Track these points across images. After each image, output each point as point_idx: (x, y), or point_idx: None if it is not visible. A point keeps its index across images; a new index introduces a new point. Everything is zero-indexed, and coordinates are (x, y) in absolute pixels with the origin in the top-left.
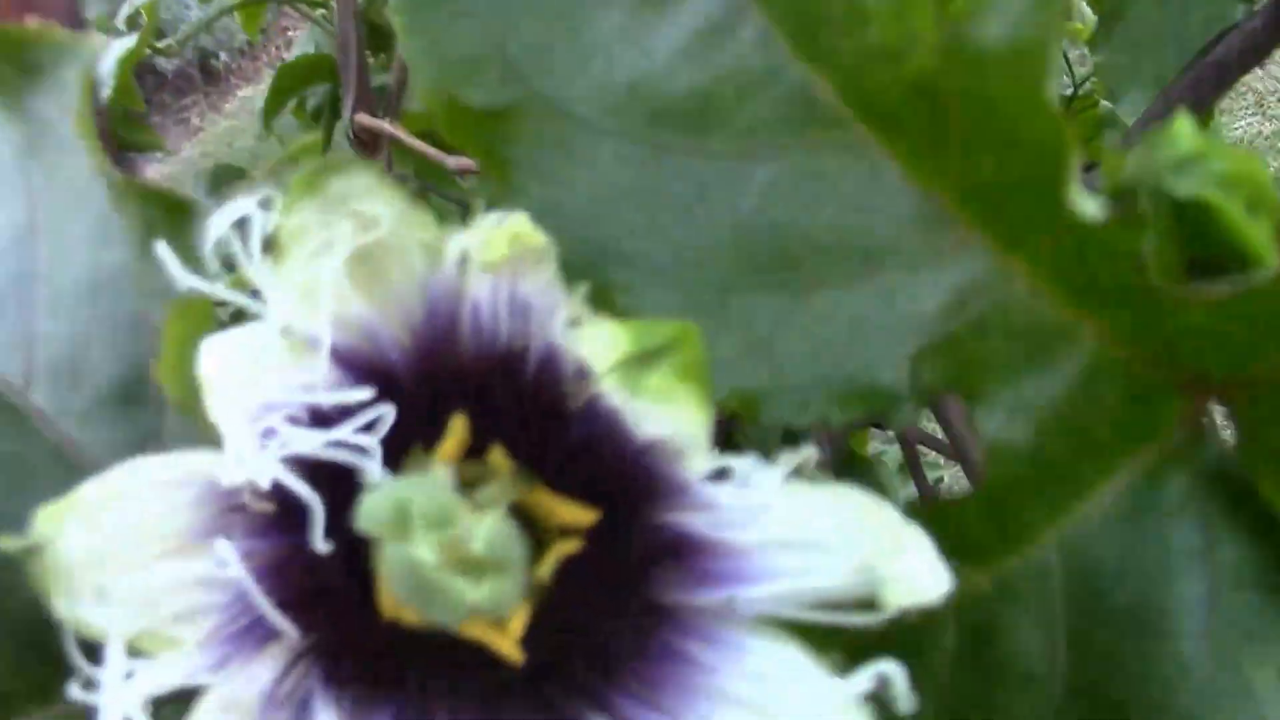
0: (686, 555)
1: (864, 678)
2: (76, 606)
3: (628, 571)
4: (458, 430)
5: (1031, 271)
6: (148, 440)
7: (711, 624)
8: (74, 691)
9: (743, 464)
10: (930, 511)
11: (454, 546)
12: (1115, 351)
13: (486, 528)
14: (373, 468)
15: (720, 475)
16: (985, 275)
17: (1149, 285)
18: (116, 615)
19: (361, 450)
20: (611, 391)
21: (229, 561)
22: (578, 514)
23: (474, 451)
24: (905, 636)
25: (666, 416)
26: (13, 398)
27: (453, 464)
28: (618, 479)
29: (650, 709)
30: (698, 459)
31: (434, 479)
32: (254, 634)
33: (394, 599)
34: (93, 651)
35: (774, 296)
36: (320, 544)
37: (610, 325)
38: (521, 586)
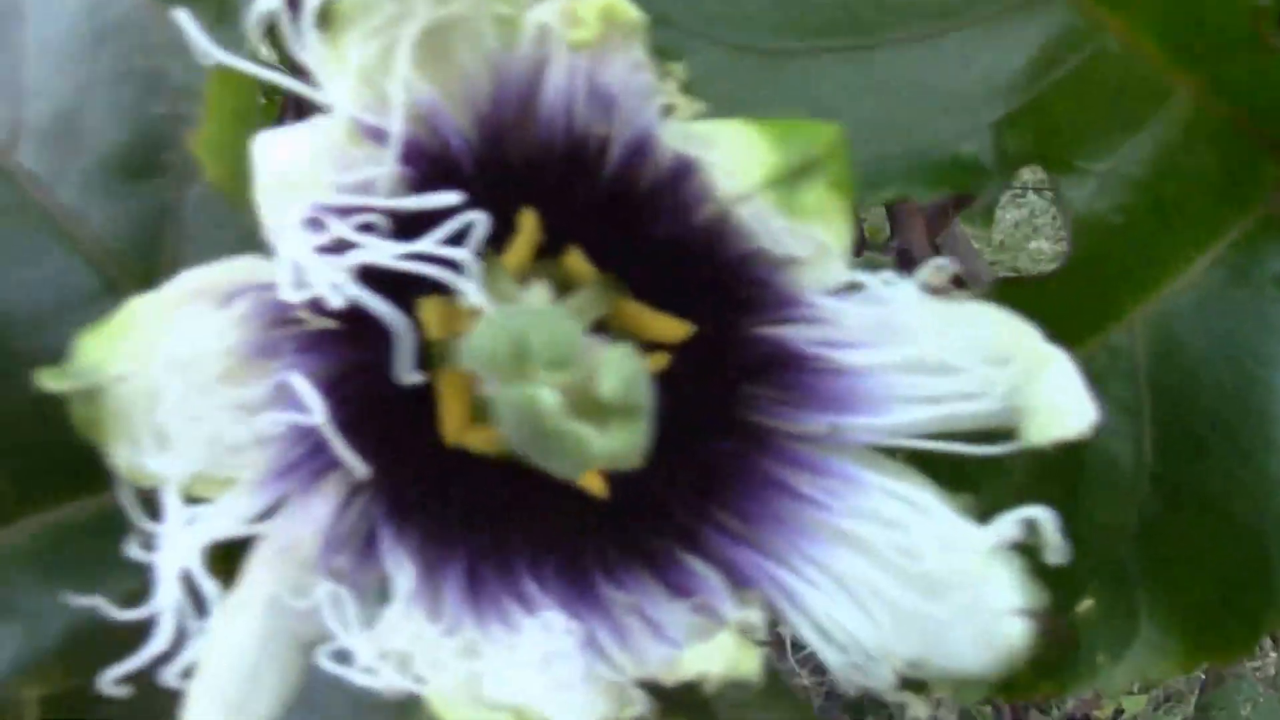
0: (794, 374)
1: (1008, 524)
2: (137, 454)
3: (723, 393)
4: (528, 226)
5: (1129, 23)
6: (163, 216)
7: (820, 453)
8: (132, 550)
9: (876, 282)
10: (1010, 290)
11: (580, 388)
12: (1214, 112)
13: (617, 366)
14: (468, 286)
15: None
16: (1076, 28)
17: (1254, 36)
18: (175, 458)
19: (448, 264)
20: (751, 206)
21: (292, 380)
22: (670, 326)
23: (549, 253)
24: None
25: (816, 233)
26: None
27: (525, 266)
28: (718, 288)
29: (748, 547)
30: (823, 272)
31: (552, 309)
32: (312, 465)
33: (459, 428)
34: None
35: (839, 60)
36: (407, 370)
37: (741, 127)
38: (647, 435)
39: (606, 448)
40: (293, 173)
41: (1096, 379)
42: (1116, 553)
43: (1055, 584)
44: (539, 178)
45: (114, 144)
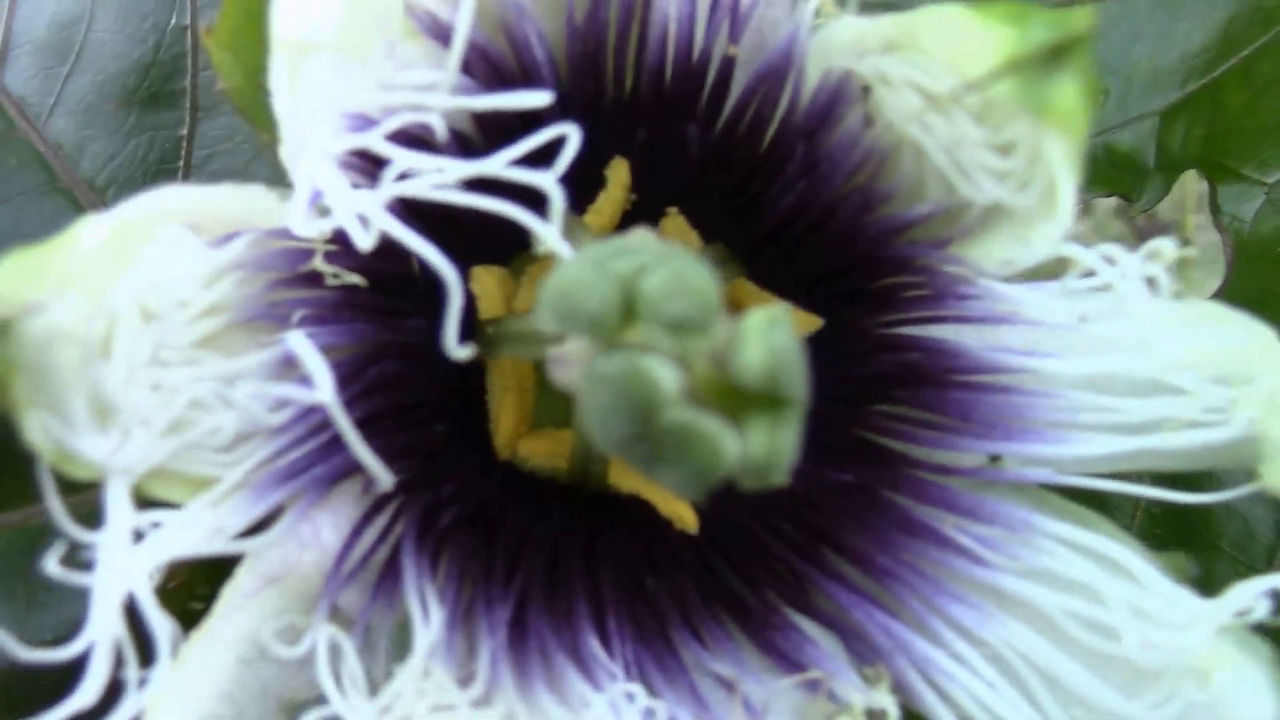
0: (940, 384)
1: (1248, 594)
2: (66, 431)
3: (847, 407)
4: (619, 178)
5: None
6: (168, 161)
7: (974, 491)
8: (50, 565)
9: (1094, 260)
10: None
11: (712, 365)
12: None
13: (765, 335)
14: (547, 228)
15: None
16: (1265, 3)
17: None
18: (129, 450)
19: (523, 201)
20: (945, 120)
21: (300, 352)
22: (795, 318)
23: (640, 219)
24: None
25: (1053, 160)
26: None
27: (611, 231)
28: (856, 272)
29: (874, 605)
30: (1019, 239)
31: (678, 249)
32: (323, 468)
33: (514, 433)
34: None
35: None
36: (455, 345)
37: (953, 6)
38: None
39: (747, 453)
40: (324, 28)
41: None
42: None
43: None
44: (639, 117)
45: (121, 63)
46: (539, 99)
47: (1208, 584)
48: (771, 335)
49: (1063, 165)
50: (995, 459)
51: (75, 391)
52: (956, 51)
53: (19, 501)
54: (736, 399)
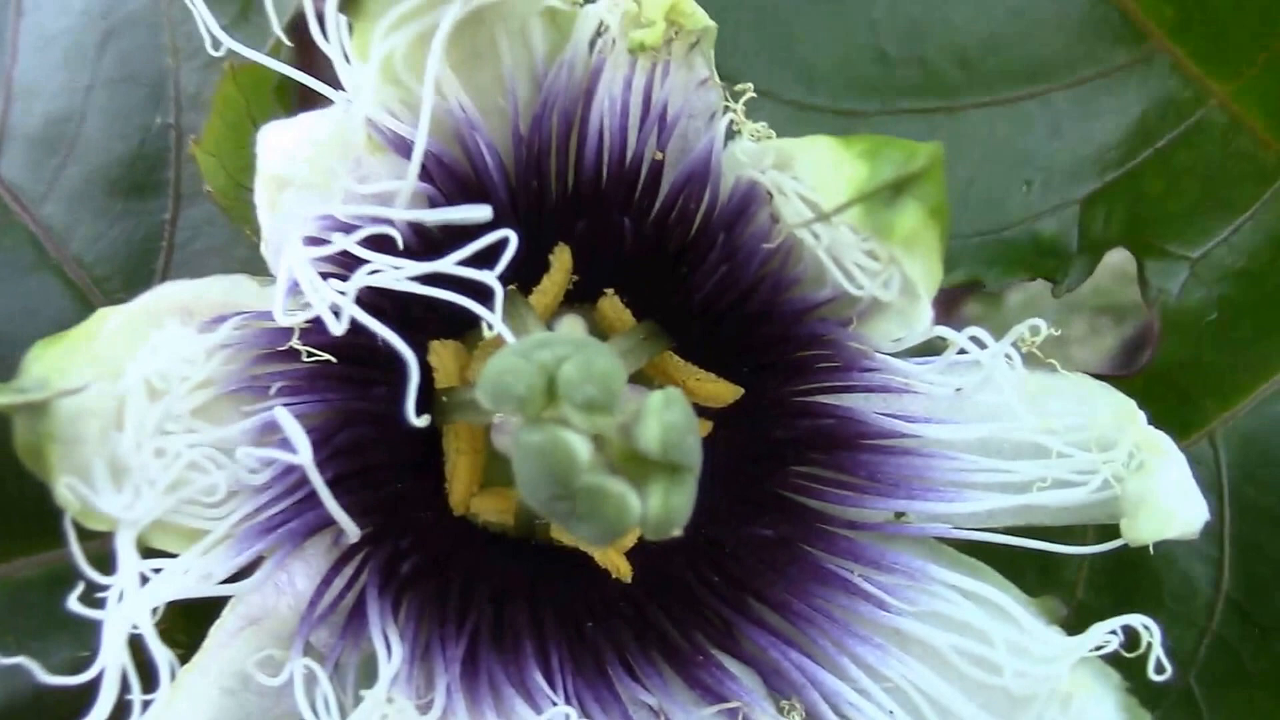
0: (850, 447)
1: (1100, 633)
2: (88, 489)
3: (766, 467)
4: (562, 263)
5: (1237, 94)
6: (151, 241)
7: (879, 544)
8: (72, 604)
9: (963, 341)
10: None
11: (618, 439)
12: None
13: (663, 412)
14: (491, 315)
15: (921, 350)
16: (1178, 97)
17: None
18: (133, 498)
19: (473, 289)
20: (831, 235)
21: (291, 434)
22: (719, 389)
23: (581, 298)
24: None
25: (905, 268)
26: None
27: (554, 310)
28: (774, 347)
29: (791, 646)
30: (901, 323)
31: (592, 340)
32: (297, 523)
33: (467, 491)
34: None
35: (915, 122)
36: (414, 415)
37: (827, 141)
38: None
39: (647, 511)
40: (298, 165)
41: None
42: (1186, 680)
43: None
44: (579, 210)
45: (110, 156)
46: (481, 213)
47: None
48: (666, 412)
49: (916, 267)
50: (899, 515)
51: (97, 458)
52: (819, 181)
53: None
54: (640, 465)
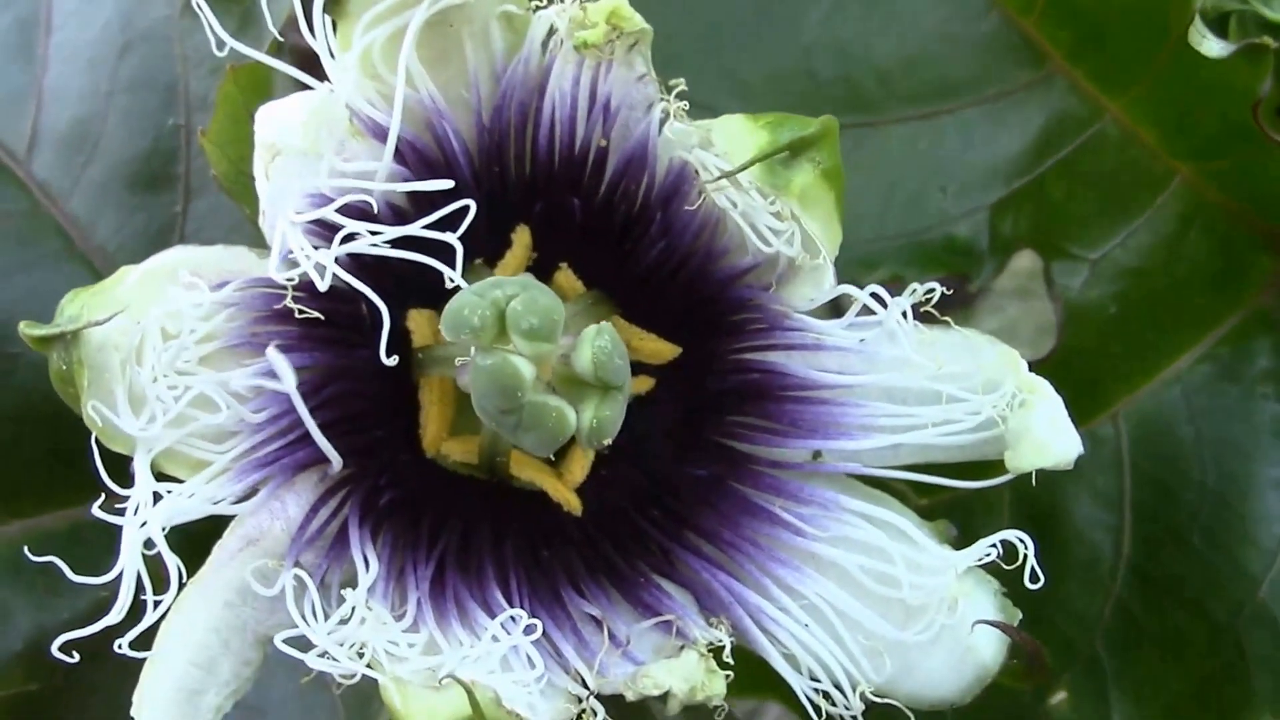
0: (774, 398)
1: (983, 547)
2: (108, 409)
3: (702, 416)
4: (522, 240)
5: (1128, 110)
6: (168, 229)
7: (799, 480)
8: (96, 510)
9: (865, 298)
10: None
11: (559, 365)
12: (1209, 202)
13: (595, 341)
14: (452, 271)
15: (830, 309)
16: (1076, 113)
17: (1252, 126)
18: (154, 427)
19: (438, 250)
20: (743, 199)
21: (278, 369)
22: (659, 347)
23: (539, 271)
24: (957, 518)
25: (807, 224)
26: (12, 166)
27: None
28: (708, 310)
29: (722, 570)
30: (813, 283)
31: (534, 281)
32: (289, 459)
33: (438, 437)
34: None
35: (842, 133)
36: (385, 355)
37: (739, 116)
38: (622, 416)
39: (582, 422)
40: (289, 132)
41: (1079, 468)
42: (1091, 645)
43: (1028, 676)
44: (536, 192)
45: (128, 153)
46: (443, 184)
47: (1061, 601)
48: (597, 339)
49: (813, 224)
50: (817, 455)
51: (118, 385)
52: (731, 148)
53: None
54: (578, 387)
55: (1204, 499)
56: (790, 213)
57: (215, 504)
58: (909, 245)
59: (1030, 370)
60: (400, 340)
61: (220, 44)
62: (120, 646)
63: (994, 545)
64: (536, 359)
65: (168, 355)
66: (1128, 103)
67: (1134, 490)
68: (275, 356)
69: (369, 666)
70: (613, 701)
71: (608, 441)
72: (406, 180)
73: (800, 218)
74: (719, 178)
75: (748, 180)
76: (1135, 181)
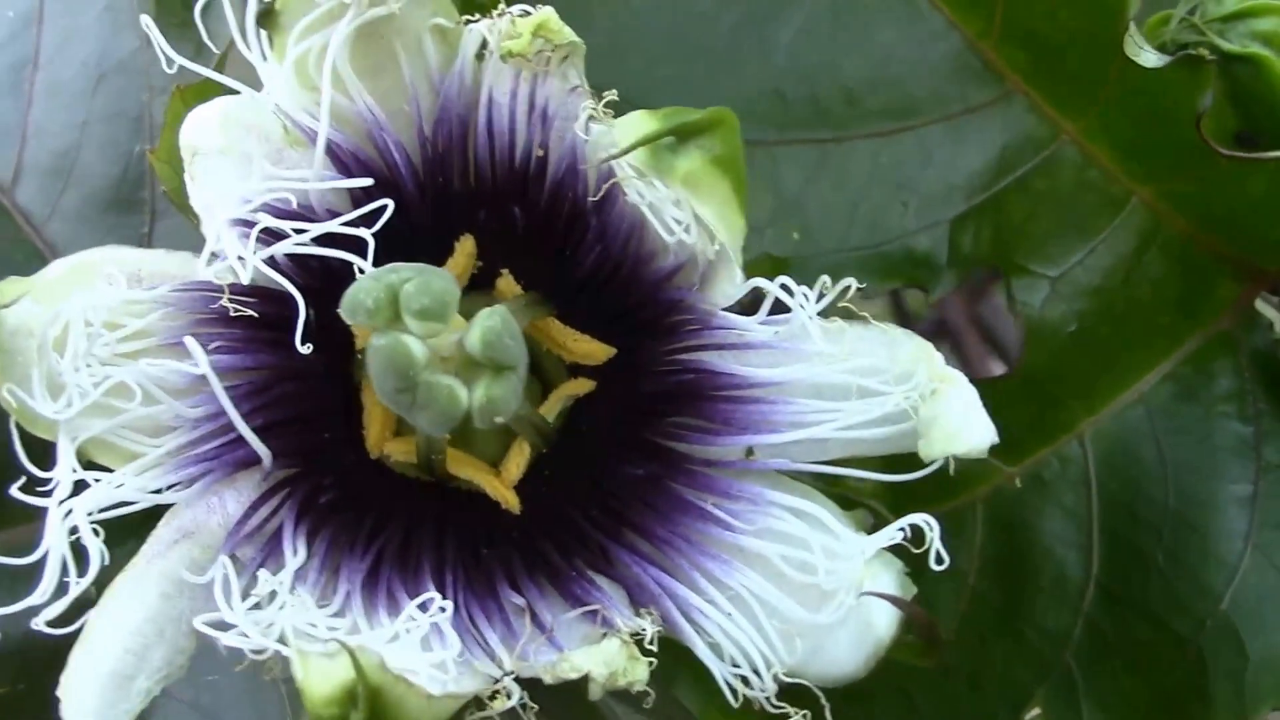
0: (706, 397)
1: (891, 530)
2: (26, 394)
3: (640, 417)
4: (466, 249)
5: (1085, 130)
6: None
7: (730, 477)
8: (15, 491)
9: (776, 291)
10: None
11: (454, 346)
12: (1170, 223)
13: (486, 322)
14: (364, 263)
15: (750, 305)
16: (1035, 133)
17: (1206, 148)
18: (70, 412)
19: (356, 248)
20: (635, 178)
21: (197, 358)
22: (593, 348)
23: (483, 281)
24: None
25: (701, 210)
26: None
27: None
28: (643, 310)
29: (656, 566)
30: (728, 278)
31: (429, 266)
32: (229, 456)
33: (380, 437)
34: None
35: (806, 151)
36: (302, 346)
37: (641, 112)
38: (520, 394)
39: (473, 400)
40: (206, 132)
41: (1048, 487)
42: (1062, 660)
43: (1003, 688)
44: (480, 201)
45: (102, 180)
46: (363, 181)
47: (1033, 617)
48: (488, 320)
49: (706, 211)
50: (751, 452)
51: (35, 369)
52: (625, 140)
53: None
54: (472, 367)
55: (1166, 519)
56: (683, 200)
57: (154, 494)
58: (871, 256)
59: (995, 385)
60: (342, 341)
61: (170, 62)
62: (37, 625)
63: (901, 529)
64: (430, 339)
65: (85, 344)
66: (1084, 125)
67: (1101, 511)
68: (192, 345)
69: (280, 643)
70: (562, 701)
71: (500, 420)
72: (354, 194)
73: (691, 203)
74: (605, 159)
75: (640, 166)
76: (1094, 202)
